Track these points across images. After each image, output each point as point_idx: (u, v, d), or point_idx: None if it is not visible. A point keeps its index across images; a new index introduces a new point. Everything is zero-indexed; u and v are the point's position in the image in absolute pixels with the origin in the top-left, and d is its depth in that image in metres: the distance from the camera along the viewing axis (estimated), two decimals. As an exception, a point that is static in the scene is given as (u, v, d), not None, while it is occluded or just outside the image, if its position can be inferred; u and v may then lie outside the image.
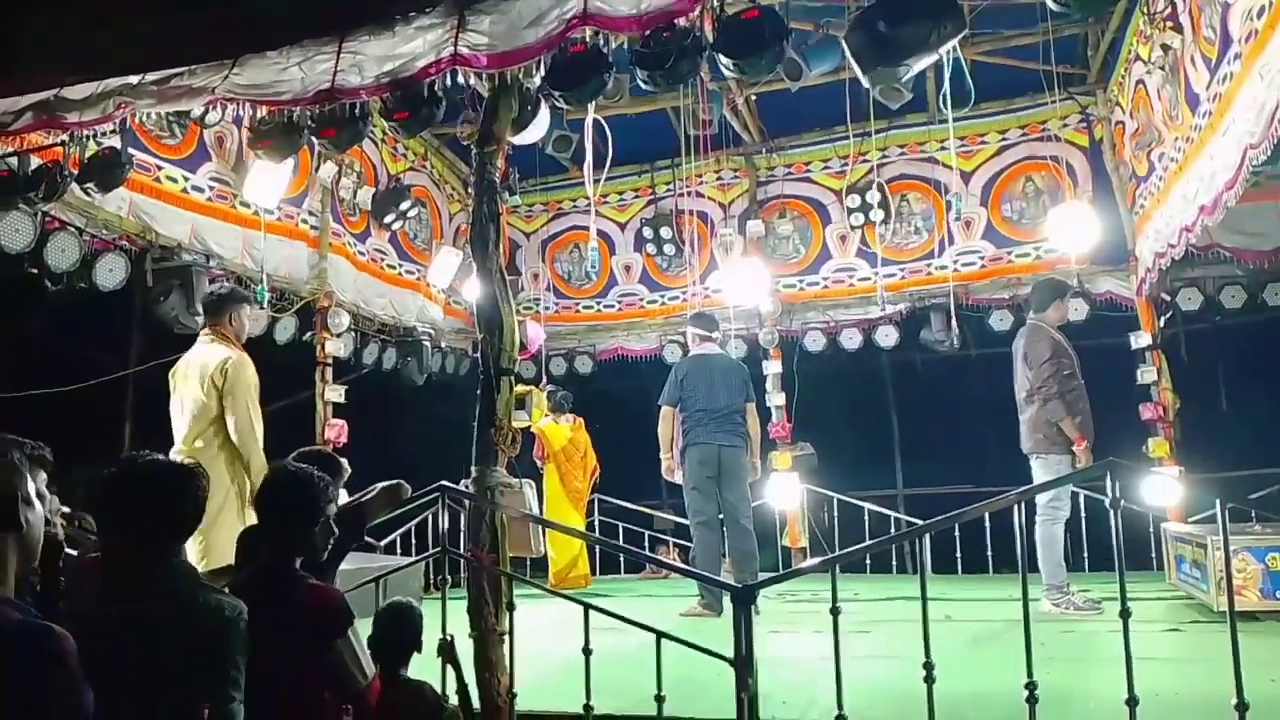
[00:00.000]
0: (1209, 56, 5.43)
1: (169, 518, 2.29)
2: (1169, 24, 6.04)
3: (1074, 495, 6.52)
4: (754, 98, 9.20)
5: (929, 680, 3.11)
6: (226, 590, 2.35)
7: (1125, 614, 3.08)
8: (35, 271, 5.82)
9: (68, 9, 5.03)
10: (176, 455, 4.71)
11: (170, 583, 2.24)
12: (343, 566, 3.46)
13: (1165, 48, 6.26)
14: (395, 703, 3.06)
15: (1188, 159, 6.12)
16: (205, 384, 4.70)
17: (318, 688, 2.68)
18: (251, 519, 4.84)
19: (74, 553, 3.14)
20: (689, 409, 6.95)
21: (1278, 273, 8.37)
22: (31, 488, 1.87)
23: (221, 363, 4.73)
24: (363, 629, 3.08)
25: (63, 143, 5.25)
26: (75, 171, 5.40)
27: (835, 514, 9.61)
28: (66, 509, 3.44)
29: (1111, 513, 3.17)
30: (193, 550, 4.59)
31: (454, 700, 3.37)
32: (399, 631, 3.15)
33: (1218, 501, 3.28)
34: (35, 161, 5.54)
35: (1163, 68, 6.44)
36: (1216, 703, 3.00)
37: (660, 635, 3.44)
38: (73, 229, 6.02)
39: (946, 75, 6.11)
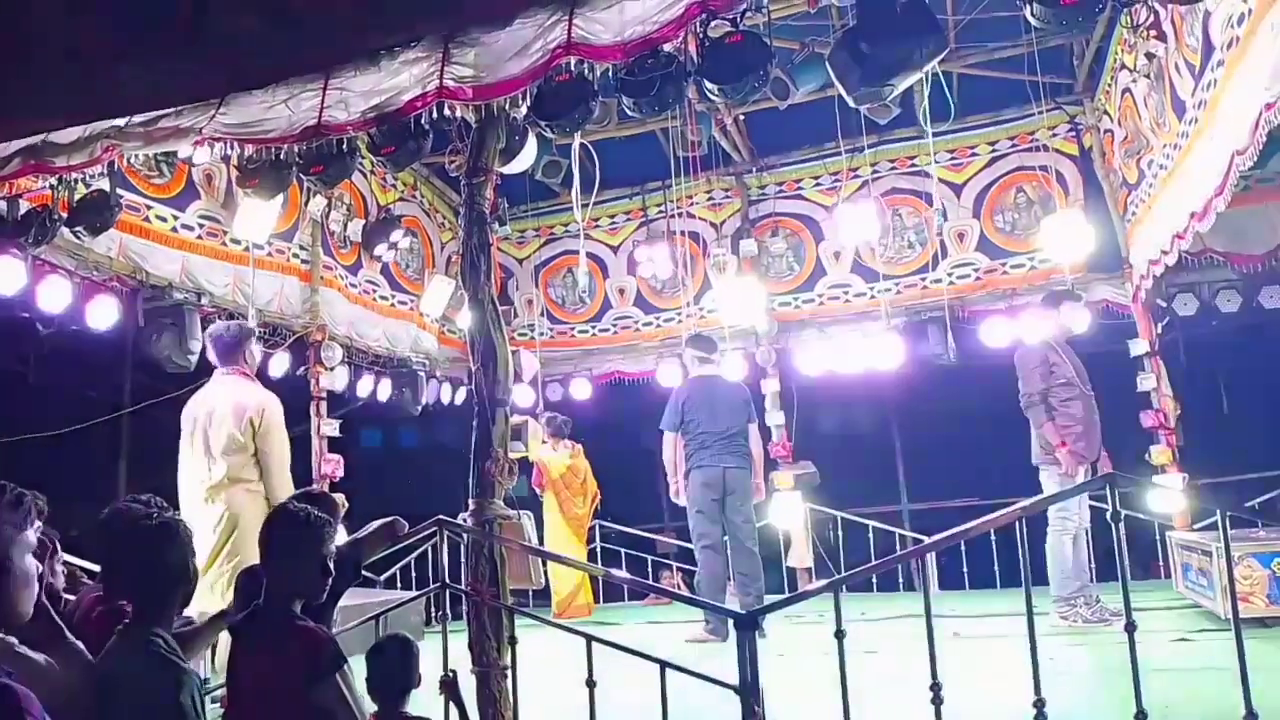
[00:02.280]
0: (1193, 64, 5.45)
1: (148, 578, 2.31)
2: (1152, 32, 6.06)
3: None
4: (742, 117, 9.21)
5: (936, 701, 3.08)
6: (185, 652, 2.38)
7: (1131, 627, 3.05)
8: (27, 316, 5.81)
9: (59, 56, 5.02)
10: (208, 491, 4.79)
11: (140, 647, 2.25)
12: (343, 603, 3.43)
13: (1150, 56, 6.28)
14: (397, 743, 3.02)
15: (1176, 165, 6.13)
16: (243, 424, 4.93)
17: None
18: None
19: (73, 597, 3.13)
20: (691, 432, 6.93)
21: (1272, 276, 8.35)
22: (16, 547, 1.85)
23: (259, 405, 5.01)
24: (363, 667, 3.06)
25: (51, 186, 5.24)
26: (65, 215, 5.38)
27: (840, 532, 9.55)
28: (68, 557, 3.43)
29: (1114, 526, 3.15)
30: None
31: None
32: (392, 668, 3.10)
33: (1218, 510, 3.26)
34: (24, 206, 5.53)
35: (1148, 75, 6.46)
36: (1227, 712, 2.97)
37: (664, 665, 3.41)
38: (63, 271, 6.00)
39: (926, 90, 6.11)
